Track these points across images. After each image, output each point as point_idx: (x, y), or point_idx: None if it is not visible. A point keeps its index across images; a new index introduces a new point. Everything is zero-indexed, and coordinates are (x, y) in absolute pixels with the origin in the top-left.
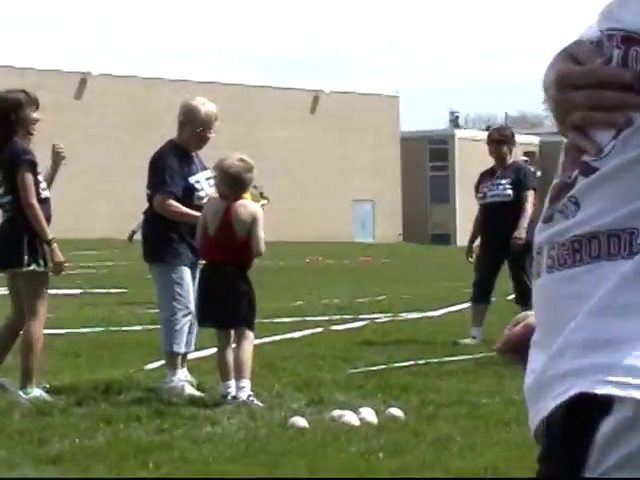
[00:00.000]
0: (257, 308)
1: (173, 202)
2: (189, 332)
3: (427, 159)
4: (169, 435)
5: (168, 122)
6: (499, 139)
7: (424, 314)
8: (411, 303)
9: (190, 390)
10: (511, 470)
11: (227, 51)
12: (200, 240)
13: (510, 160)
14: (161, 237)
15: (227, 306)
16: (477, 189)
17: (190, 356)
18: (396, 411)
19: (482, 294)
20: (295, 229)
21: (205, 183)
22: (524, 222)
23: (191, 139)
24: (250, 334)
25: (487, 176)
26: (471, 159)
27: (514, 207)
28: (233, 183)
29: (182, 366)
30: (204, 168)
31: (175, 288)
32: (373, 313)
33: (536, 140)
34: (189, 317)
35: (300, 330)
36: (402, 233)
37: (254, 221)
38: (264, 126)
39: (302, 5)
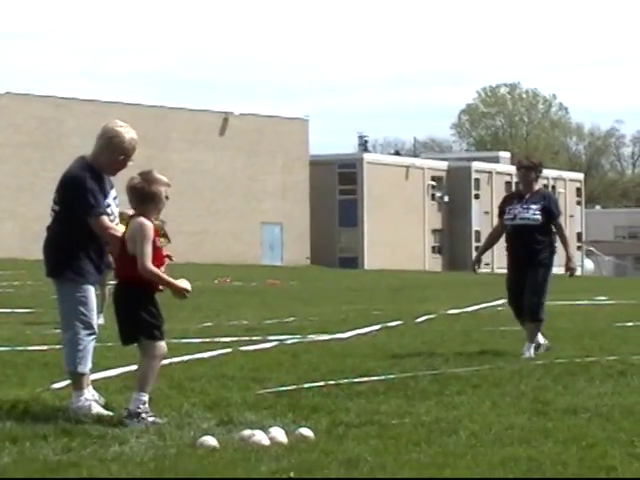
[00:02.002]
0: (153, 323)
1: (108, 222)
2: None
3: (336, 183)
4: (77, 454)
5: (77, 142)
6: (528, 166)
7: (333, 336)
8: (319, 325)
9: (98, 409)
10: None
11: (137, 72)
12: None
13: (536, 186)
14: (66, 254)
15: (119, 323)
16: (502, 210)
17: (97, 375)
18: (306, 431)
19: (516, 312)
20: (203, 251)
21: (113, 203)
22: (572, 250)
23: (109, 164)
24: (149, 349)
25: (514, 199)
26: (379, 183)
27: (540, 230)
28: (134, 197)
29: (88, 385)
30: (112, 186)
31: (79, 307)
32: (282, 335)
33: (444, 165)
34: (93, 337)
35: (209, 351)
36: (310, 256)
37: (139, 236)
38: (174, 147)
39: (213, 27)
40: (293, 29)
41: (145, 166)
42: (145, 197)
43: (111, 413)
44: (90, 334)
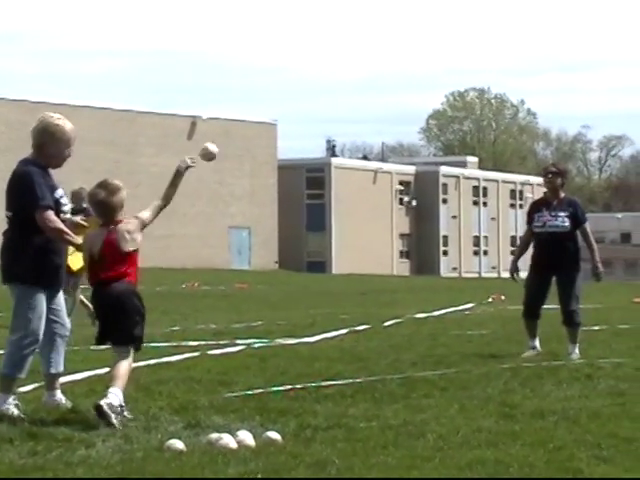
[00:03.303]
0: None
1: (54, 216)
2: (58, 353)
3: (304, 187)
4: (42, 458)
5: None
6: (554, 172)
7: (300, 340)
8: (287, 329)
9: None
10: None
11: (105, 76)
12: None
13: (562, 193)
14: (20, 259)
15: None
16: (531, 217)
17: (64, 379)
18: (274, 434)
19: (532, 311)
20: (171, 255)
21: (62, 201)
22: (598, 256)
23: (55, 158)
24: (129, 352)
25: (541, 206)
26: (347, 188)
27: (569, 237)
28: (102, 210)
29: (54, 388)
30: (57, 186)
31: (27, 313)
32: (249, 338)
33: (412, 169)
34: (36, 345)
35: (176, 354)
36: (278, 260)
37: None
38: (141, 152)
39: (180, 31)
40: (261, 32)
41: (113, 170)
42: (112, 208)
43: (24, 416)
44: (33, 342)
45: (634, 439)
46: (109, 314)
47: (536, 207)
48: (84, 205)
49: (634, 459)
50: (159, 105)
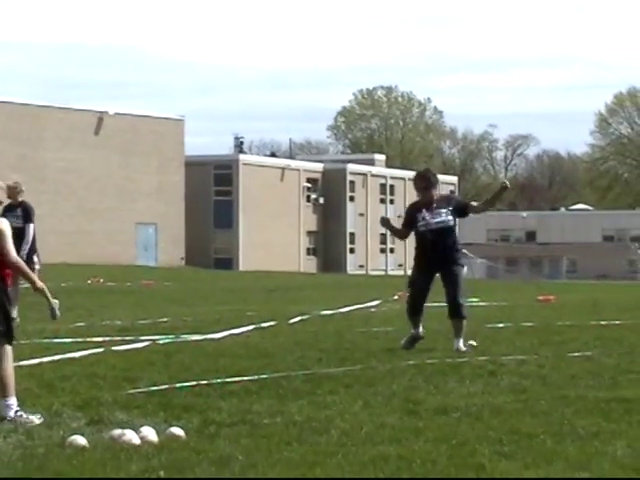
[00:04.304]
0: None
1: None
2: None
3: (211, 184)
4: None
5: None
6: (426, 186)
7: (206, 336)
8: (193, 325)
9: None
10: None
11: (10, 69)
12: None
13: (434, 194)
14: None
15: None
16: (412, 218)
17: None
18: (177, 430)
19: (417, 308)
20: (77, 251)
21: None
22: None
23: None
24: (9, 349)
25: (420, 207)
26: (255, 184)
27: (453, 231)
28: None
29: None
30: None
31: None
32: (155, 335)
33: (319, 167)
34: None
35: (81, 350)
36: (185, 257)
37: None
38: (48, 146)
39: (87, 24)
40: (170, 27)
41: (18, 165)
42: None
43: None
44: None
45: (535, 435)
46: None
47: (416, 208)
48: (20, 199)
49: (535, 454)
50: (66, 100)
